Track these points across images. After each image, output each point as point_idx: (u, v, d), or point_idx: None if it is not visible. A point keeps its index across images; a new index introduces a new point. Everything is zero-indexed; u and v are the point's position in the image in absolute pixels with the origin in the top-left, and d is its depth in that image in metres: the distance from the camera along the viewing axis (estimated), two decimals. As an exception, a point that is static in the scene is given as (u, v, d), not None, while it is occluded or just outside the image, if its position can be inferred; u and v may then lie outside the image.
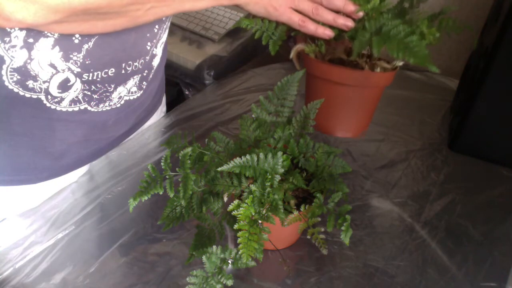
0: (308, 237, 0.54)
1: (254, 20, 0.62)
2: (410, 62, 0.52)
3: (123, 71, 0.66)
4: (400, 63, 0.68)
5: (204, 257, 0.49)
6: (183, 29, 1.21)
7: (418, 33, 0.57)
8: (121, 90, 0.69)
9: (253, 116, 0.62)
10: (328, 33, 0.63)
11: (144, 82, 0.74)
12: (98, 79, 0.64)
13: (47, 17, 0.48)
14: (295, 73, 0.62)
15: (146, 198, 0.52)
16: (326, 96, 0.61)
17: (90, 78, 0.63)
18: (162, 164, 0.55)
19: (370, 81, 0.66)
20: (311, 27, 0.63)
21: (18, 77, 0.58)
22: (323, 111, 0.61)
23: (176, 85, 1.17)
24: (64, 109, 0.65)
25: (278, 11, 0.62)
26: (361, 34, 0.57)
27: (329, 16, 0.63)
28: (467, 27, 0.60)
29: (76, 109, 0.66)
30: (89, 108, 0.67)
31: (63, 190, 0.73)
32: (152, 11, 0.55)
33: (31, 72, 0.58)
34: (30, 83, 0.59)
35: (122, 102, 0.72)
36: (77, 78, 0.62)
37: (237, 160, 0.52)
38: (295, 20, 0.62)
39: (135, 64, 0.67)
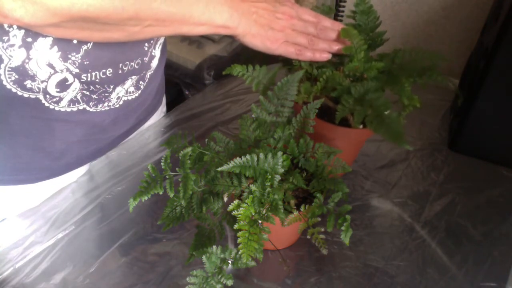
0: (308, 237, 0.54)
1: (245, 67, 0.66)
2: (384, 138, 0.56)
3: (120, 71, 0.66)
4: None
5: (204, 257, 0.49)
6: (183, 29, 1.21)
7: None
8: (119, 91, 0.69)
9: (253, 116, 0.62)
10: (325, 55, 0.66)
11: (141, 82, 0.74)
12: (97, 80, 0.64)
13: (45, 19, 0.48)
14: (295, 73, 0.62)
15: (146, 198, 0.52)
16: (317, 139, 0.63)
17: (88, 79, 0.63)
18: (162, 164, 0.55)
19: (350, 136, 0.69)
20: (308, 54, 0.66)
21: (16, 76, 0.58)
22: None
23: (176, 85, 1.17)
24: (63, 109, 0.65)
25: (275, 45, 0.65)
26: (345, 99, 0.62)
27: (324, 45, 0.67)
28: (451, 80, 0.64)
29: (75, 109, 0.66)
30: (88, 108, 0.67)
31: (63, 190, 0.73)
32: (150, 29, 0.56)
33: (29, 72, 0.58)
34: (28, 83, 0.59)
35: (121, 102, 0.72)
36: (75, 79, 0.62)
37: (237, 160, 0.52)
38: (292, 51, 0.66)
39: (131, 64, 0.67)
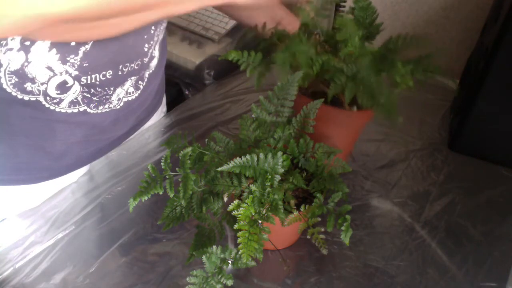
0: (308, 237, 0.54)
1: (241, 53, 0.64)
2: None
3: (120, 73, 0.66)
4: None
5: (204, 257, 0.49)
6: (183, 29, 1.21)
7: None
8: (119, 92, 0.69)
9: (253, 116, 0.62)
10: None
11: (140, 82, 0.74)
12: (97, 82, 0.64)
13: (19, 31, 0.45)
14: (295, 73, 0.62)
15: (146, 198, 0.52)
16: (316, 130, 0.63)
17: (88, 82, 0.63)
18: (162, 164, 0.55)
19: (349, 119, 0.69)
20: None
21: (16, 79, 0.58)
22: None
23: (176, 85, 1.17)
24: (63, 111, 0.65)
25: None
26: (338, 77, 0.61)
27: None
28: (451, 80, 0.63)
29: (76, 110, 0.66)
30: (88, 110, 0.67)
31: (63, 190, 0.73)
32: (137, 17, 0.52)
33: (29, 75, 0.58)
34: (28, 86, 0.59)
35: (122, 104, 0.72)
36: (75, 81, 0.62)
37: (237, 160, 0.52)
38: None
39: (131, 65, 0.67)
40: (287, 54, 0.64)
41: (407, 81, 0.61)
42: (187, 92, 1.16)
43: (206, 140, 0.60)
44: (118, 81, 0.67)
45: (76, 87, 0.63)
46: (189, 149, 0.55)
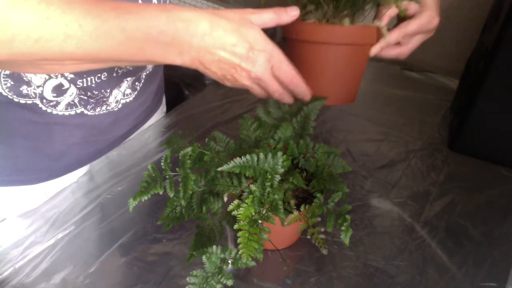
0: (308, 237, 0.54)
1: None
2: None
3: (114, 74, 0.66)
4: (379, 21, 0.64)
5: (204, 257, 0.49)
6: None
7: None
8: (117, 94, 0.69)
9: (260, 116, 0.62)
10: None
11: (137, 83, 0.73)
12: (93, 85, 0.64)
13: None
14: None
15: (146, 198, 0.52)
16: (308, 60, 0.59)
17: (84, 85, 0.63)
18: (162, 164, 0.55)
19: (350, 38, 0.61)
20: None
21: (12, 82, 0.58)
22: (308, 78, 0.58)
23: (176, 85, 1.17)
24: (60, 113, 0.65)
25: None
26: None
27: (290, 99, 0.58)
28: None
29: (73, 112, 0.66)
30: (85, 111, 0.67)
31: (63, 190, 0.73)
32: (72, 67, 0.49)
33: (24, 78, 0.58)
34: (24, 89, 0.59)
35: (120, 105, 0.72)
36: (71, 84, 0.62)
37: (237, 160, 0.52)
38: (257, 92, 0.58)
39: (126, 67, 0.66)
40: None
41: None
42: (187, 92, 1.16)
43: (206, 140, 0.60)
44: (114, 83, 0.67)
45: (72, 90, 0.63)
46: (189, 149, 0.55)
